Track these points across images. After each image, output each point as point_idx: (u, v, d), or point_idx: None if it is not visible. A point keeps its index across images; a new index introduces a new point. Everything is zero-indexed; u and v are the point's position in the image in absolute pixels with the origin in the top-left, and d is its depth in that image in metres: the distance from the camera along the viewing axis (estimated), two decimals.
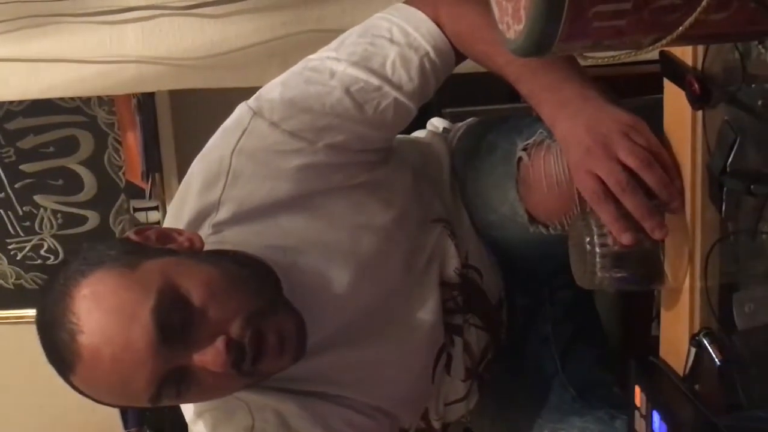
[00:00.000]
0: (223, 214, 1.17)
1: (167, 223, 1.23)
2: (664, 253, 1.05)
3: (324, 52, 1.21)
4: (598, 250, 1.03)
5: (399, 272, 1.24)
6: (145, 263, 1.06)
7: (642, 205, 1.00)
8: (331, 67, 1.18)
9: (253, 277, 1.10)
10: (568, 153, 1.07)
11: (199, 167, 1.20)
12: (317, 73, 1.18)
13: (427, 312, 1.26)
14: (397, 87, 1.19)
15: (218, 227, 1.17)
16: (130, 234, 1.15)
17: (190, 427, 1.24)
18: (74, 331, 1.02)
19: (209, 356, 1.04)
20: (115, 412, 2.44)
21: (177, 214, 1.20)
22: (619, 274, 1.04)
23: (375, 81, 1.18)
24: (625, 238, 1.01)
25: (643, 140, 1.02)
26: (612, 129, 1.03)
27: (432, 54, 1.20)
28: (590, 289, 1.10)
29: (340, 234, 1.20)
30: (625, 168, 1.00)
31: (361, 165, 1.21)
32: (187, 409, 1.23)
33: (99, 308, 1.03)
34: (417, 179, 1.29)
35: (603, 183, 1.01)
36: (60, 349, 1.04)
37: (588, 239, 1.04)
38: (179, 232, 1.15)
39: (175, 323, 1.03)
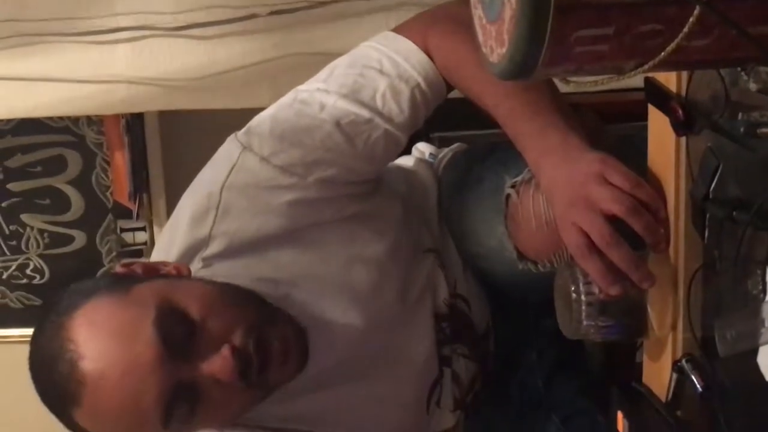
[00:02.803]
0: (213, 248, 1.16)
1: (155, 257, 1.22)
2: (649, 303, 1.04)
3: (313, 83, 1.20)
4: (584, 298, 1.02)
5: (393, 305, 1.23)
6: (138, 287, 1.06)
7: (628, 258, 0.98)
8: (321, 99, 1.17)
9: (248, 296, 1.10)
10: (553, 205, 1.06)
11: (188, 202, 1.19)
12: (307, 105, 1.17)
13: (422, 344, 1.24)
14: (388, 119, 1.17)
15: (208, 261, 1.17)
16: (117, 268, 1.15)
17: None
18: (74, 359, 1.01)
19: (216, 365, 1.03)
20: None
21: (166, 248, 1.20)
22: (605, 323, 1.03)
23: (365, 113, 1.16)
24: (613, 290, 0.99)
25: (619, 179, 0.99)
26: (589, 178, 1.00)
27: (423, 85, 1.19)
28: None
29: (332, 267, 1.19)
30: (609, 216, 0.98)
31: (351, 197, 1.20)
32: None
33: (98, 333, 1.02)
34: (406, 209, 1.28)
35: (588, 236, 0.99)
36: (60, 383, 1.02)
37: (573, 287, 1.03)
38: (165, 263, 1.15)
39: (177, 335, 1.02)
